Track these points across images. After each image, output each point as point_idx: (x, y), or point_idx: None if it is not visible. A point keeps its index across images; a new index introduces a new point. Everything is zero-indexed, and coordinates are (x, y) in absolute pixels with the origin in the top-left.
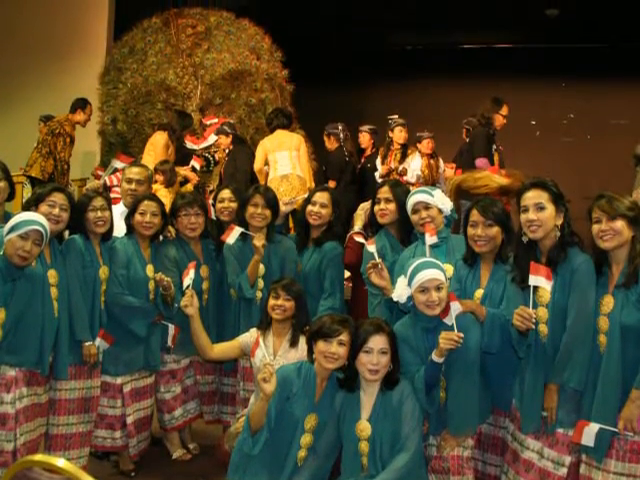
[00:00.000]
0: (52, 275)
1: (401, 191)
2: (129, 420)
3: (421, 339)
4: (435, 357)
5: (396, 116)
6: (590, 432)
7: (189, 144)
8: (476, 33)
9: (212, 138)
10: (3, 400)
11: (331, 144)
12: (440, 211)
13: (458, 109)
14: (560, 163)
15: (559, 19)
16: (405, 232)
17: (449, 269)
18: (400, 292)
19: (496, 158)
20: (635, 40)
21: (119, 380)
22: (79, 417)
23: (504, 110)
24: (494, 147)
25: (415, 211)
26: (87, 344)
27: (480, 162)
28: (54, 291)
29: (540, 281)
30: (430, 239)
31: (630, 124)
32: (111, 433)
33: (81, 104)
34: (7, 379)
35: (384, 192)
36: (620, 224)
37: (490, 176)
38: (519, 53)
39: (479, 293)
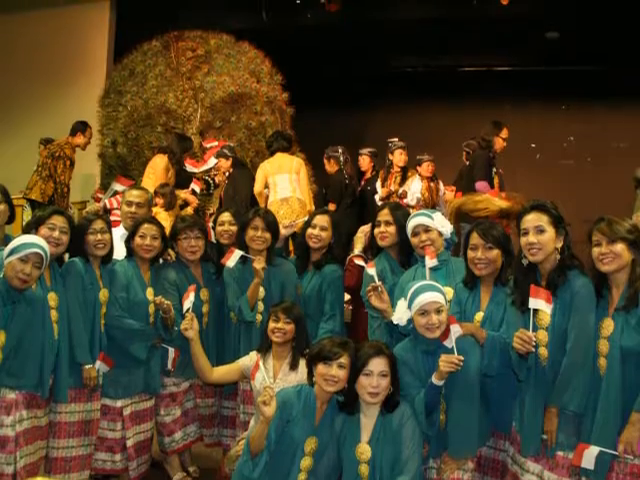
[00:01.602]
0: (52, 298)
1: (401, 214)
2: (129, 443)
3: (421, 362)
4: (435, 380)
5: (396, 139)
6: (590, 455)
7: (189, 167)
8: (476, 56)
9: (212, 161)
10: (3, 423)
11: (331, 167)
12: (440, 234)
13: (458, 132)
14: (560, 186)
15: (559, 42)
16: (405, 255)
17: (449, 292)
18: (400, 315)
19: (496, 181)
20: (635, 63)
21: (119, 403)
22: (79, 440)
23: (504, 133)
24: (494, 170)
25: (415, 234)
26: (87, 367)
27: (480, 185)
28: (54, 314)
29: (540, 304)
30: (430, 262)
31: (630, 147)
32: (111, 456)
33: (81, 127)
34: (7, 402)
35: (384, 215)
36: (620, 247)
37: (490, 199)
38: (519, 76)
39: (479, 316)
